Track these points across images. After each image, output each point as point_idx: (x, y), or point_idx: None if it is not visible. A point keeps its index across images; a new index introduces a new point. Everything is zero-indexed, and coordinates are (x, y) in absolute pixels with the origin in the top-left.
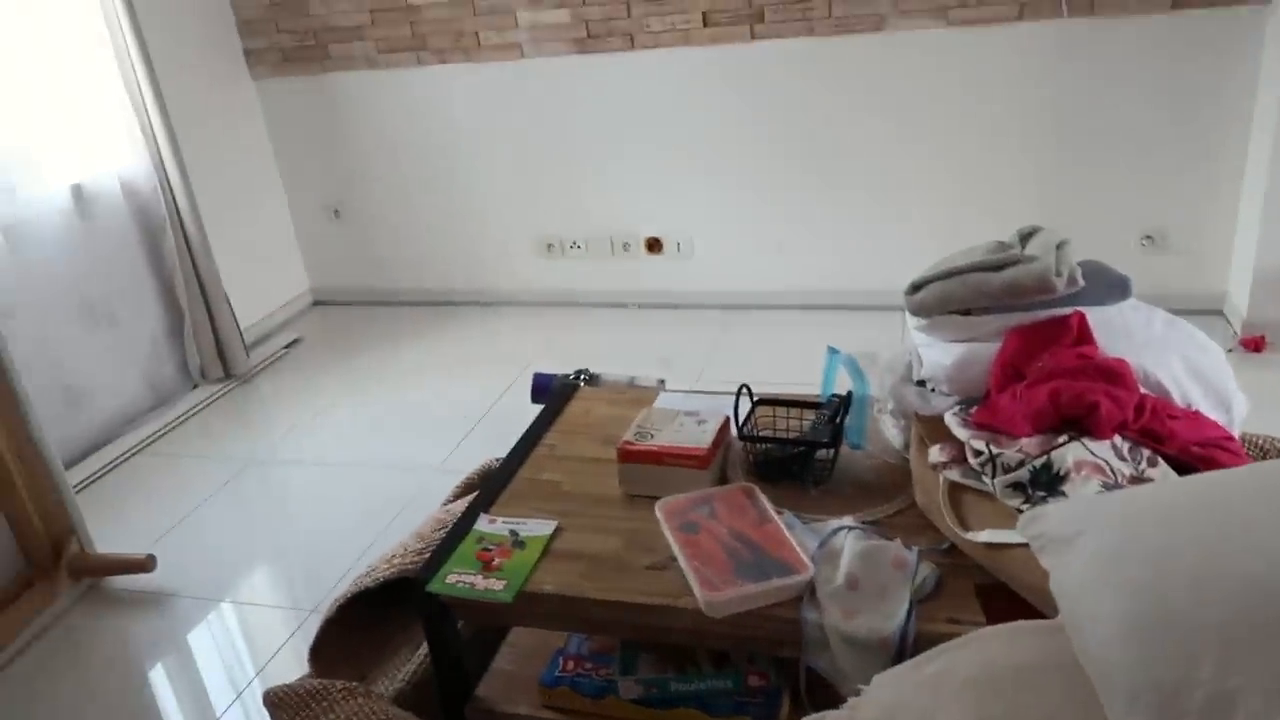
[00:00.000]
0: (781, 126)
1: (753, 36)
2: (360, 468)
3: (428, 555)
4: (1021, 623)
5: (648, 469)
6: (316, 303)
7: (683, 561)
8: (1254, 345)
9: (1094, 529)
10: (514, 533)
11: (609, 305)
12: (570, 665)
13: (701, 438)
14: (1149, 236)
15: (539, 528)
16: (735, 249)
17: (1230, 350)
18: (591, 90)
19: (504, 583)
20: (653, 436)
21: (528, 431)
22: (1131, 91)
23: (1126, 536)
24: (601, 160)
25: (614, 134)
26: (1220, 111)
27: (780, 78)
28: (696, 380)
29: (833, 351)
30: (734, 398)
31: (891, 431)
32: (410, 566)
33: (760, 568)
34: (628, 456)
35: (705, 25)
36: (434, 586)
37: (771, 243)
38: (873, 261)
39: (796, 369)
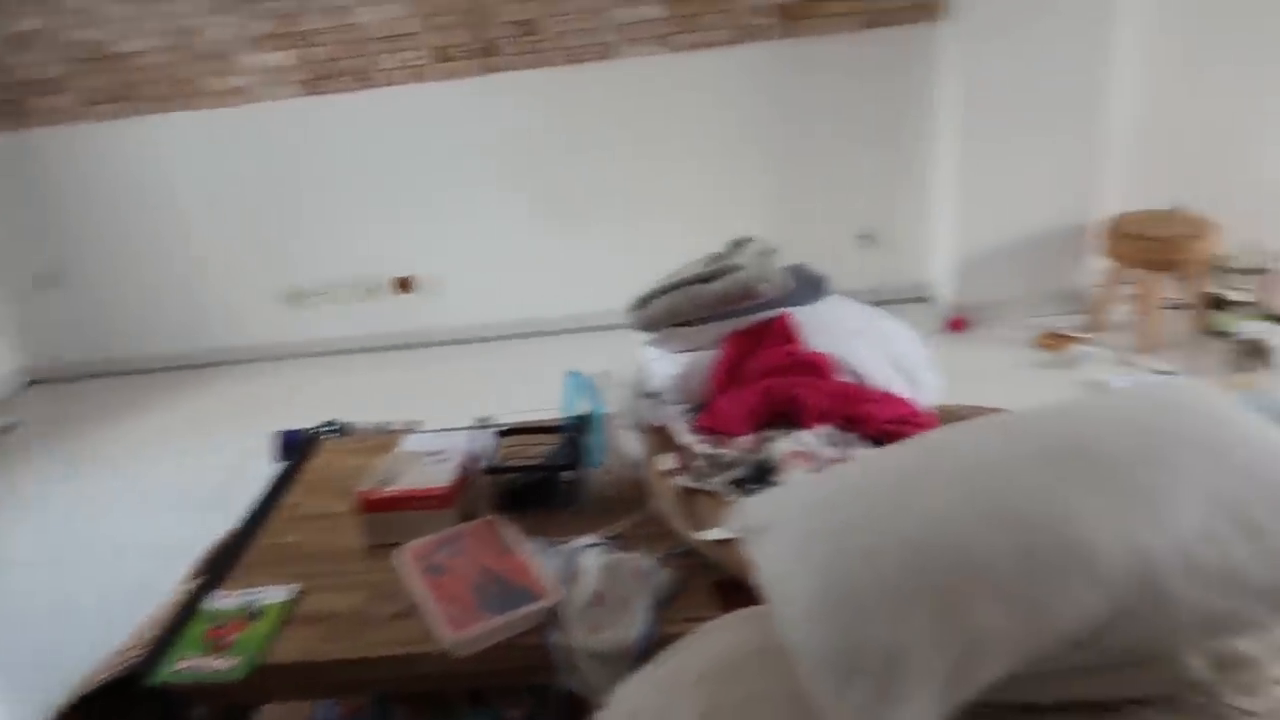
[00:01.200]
0: (521, 157)
1: (487, 70)
2: (96, 557)
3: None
4: (744, 610)
5: (390, 516)
6: (34, 382)
7: (428, 605)
8: (957, 326)
9: (784, 515)
10: (249, 604)
11: (363, 350)
12: None
13: (442, 476)
14: (863, 235)
15: (276, 594)
16: (487, 282)
17: (938, 332)
18: (326, 131)
19: (234, 660)
20: (394, 482)
21: (262, 495)
22: (837, 104)
23: (811, 518)
24: (343, 203)
25: (353, 175)
26: (912, 118)
27: (517, 109)
28: (457, 417)
29: (571, 374)
30: (478, 432)
31: (632, 446)
32: (138, 659)
33: (505, 599)
34: (367, 507)
35: (439, 60)
36: (160, 677)
37: (524, 273)
38: (618, 282)
39: (553, 395)
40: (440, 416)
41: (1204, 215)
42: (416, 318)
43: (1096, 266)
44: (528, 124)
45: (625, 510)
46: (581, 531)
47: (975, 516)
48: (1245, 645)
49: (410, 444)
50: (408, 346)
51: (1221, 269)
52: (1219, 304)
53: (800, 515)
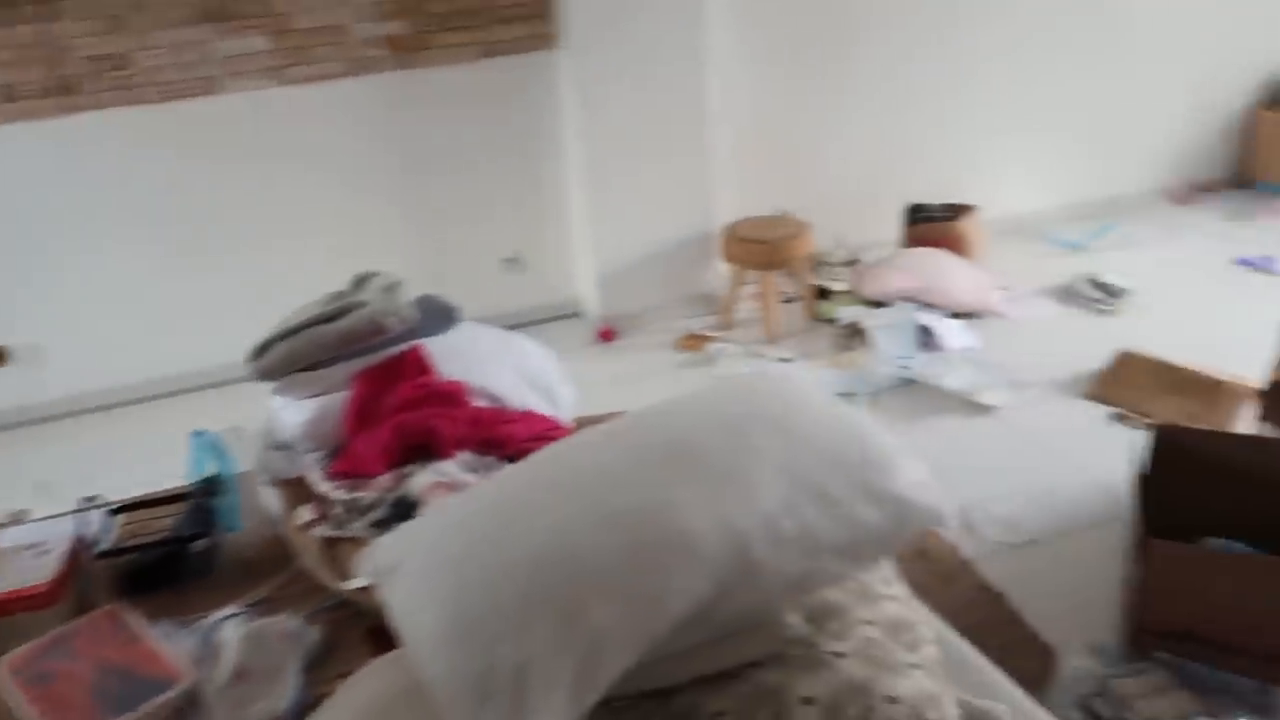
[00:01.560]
0: (123, 203)
1: (67, 109)
2: None
3: None
4: (391, 654)
5: None
6: None
7: None
8: (606, 336)
9: (411, 551)
10: None
11: None
12: None
13: (43, 571)
14: (509, 259)
15: None
16: (97, 344)
17: (590, 344)
18: None
19: None
20: None
21: None
22: (467, 133)
23: (437, 549)
24: None
25: None
26: (543, 142)
27: (111, 151)
28: (73, 501)
29: (196, 434)
30: (88, 514)
31: (273, 502)
32: None
33: (131, 694)
34: None
35: (5, 100)
36: None
37: (138, 331)
38: (248, 330)
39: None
40: (52, 503)
41: (801, 217)
42: (14, 393)
43: (722, 270)
44: (126, 167)
45: (271, 572)
46: (223, 603)
47: (588, 523)
48: (833, 595)
49: (6, 539)
50: (7, 427)
51: (822, 263)
52: (823, 294)
53: (427, 548)
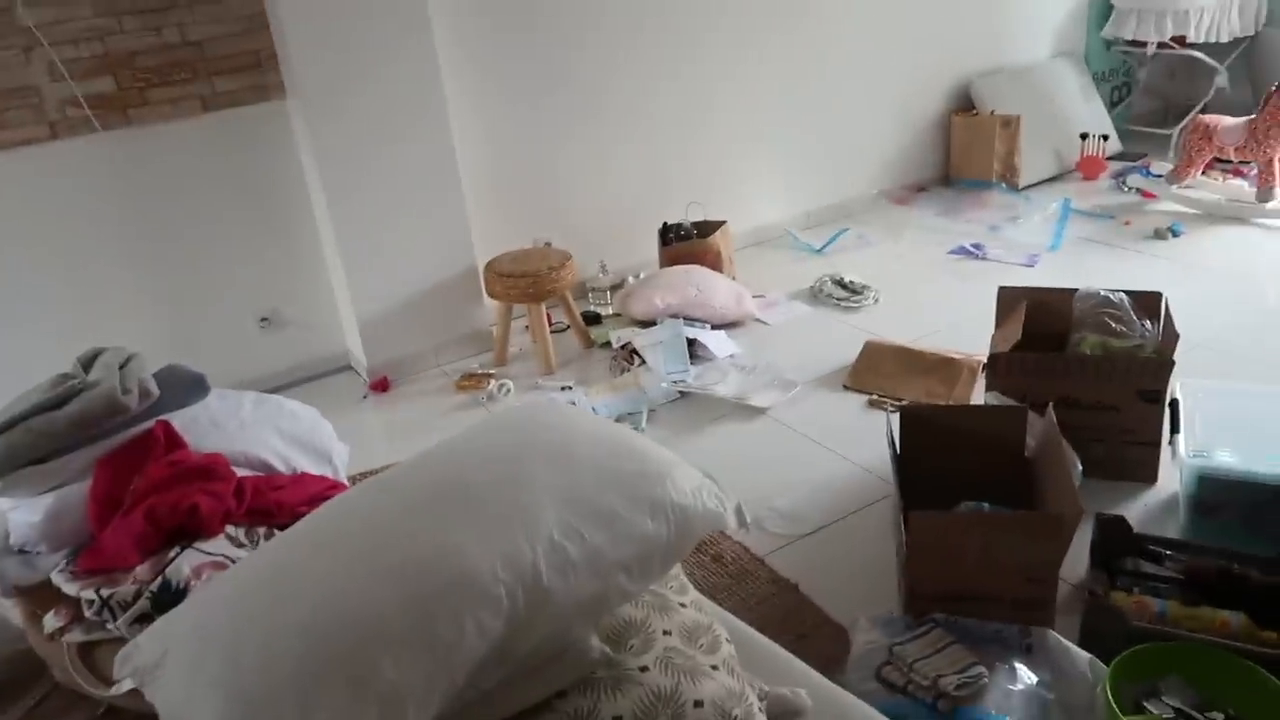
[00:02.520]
0: None
1: None
2: None
3: None
4: None
5: None
6: None
7: None
8: (380, 387)
9: (176, 643)
10: None
11: None
12: None
13: None
14: (265, 318)
15: None
16: None
17: (366, 397)
18: None
19: None
20: None
21: None
22: (204, 191)
23: (201, 636)
24: None
25: None
26: (287, 195)
27: None
28: None
29: None
30: None
31: (13, 615)
32: None
33: None
34: None
35: None
36: None
37: None
38: None
39: None
40: None
41: (562, 247)
42: None
43: (490, 307)
44: None
45: (20, 693)
46: None
47: (366, 578)
48: (631, 612)
49: None
50: None
51: (589, 289)
52: (594, 319)
53: (192, 635)
